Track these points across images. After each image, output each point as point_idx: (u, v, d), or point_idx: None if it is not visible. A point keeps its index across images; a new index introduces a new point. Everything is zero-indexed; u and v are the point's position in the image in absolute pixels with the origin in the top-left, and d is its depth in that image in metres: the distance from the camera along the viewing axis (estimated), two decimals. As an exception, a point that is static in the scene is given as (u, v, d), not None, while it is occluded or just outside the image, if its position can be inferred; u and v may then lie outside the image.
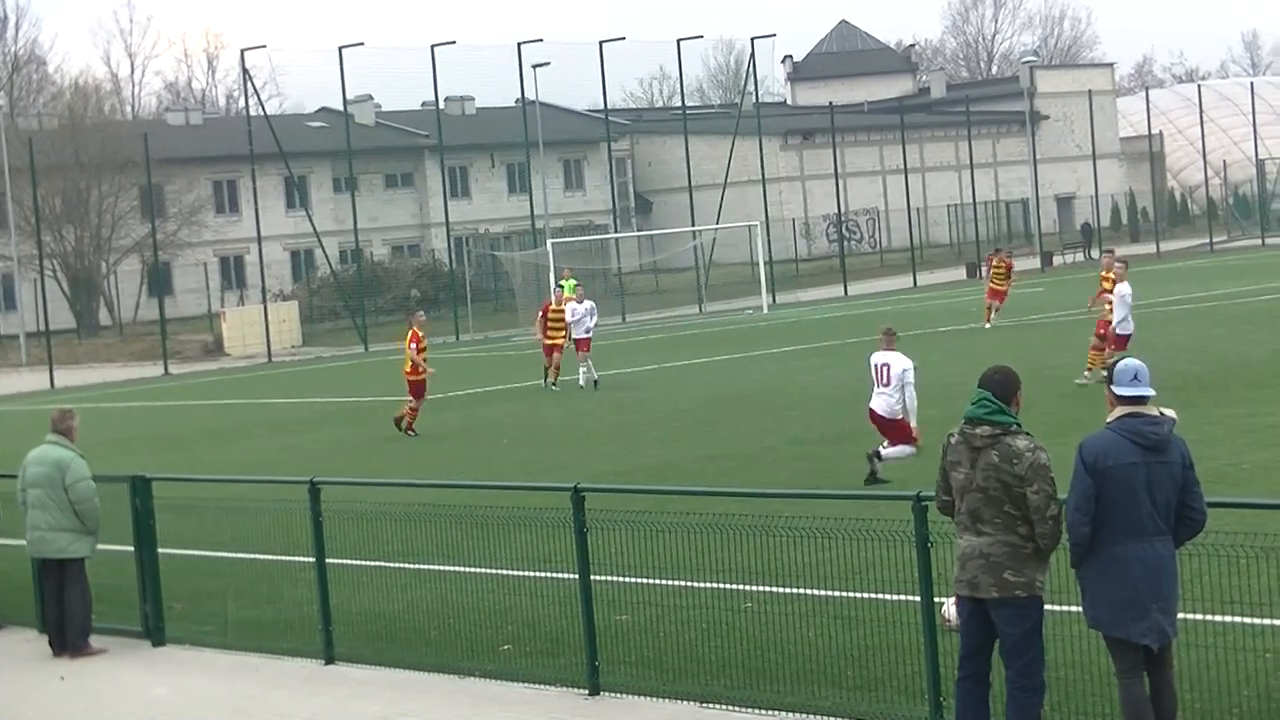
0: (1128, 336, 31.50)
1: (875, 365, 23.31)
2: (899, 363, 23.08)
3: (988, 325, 47.26)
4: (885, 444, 22.81)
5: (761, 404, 33.68)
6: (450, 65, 79.65)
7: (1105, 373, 10.75)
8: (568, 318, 40.34)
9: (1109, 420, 10.47)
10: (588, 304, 41.28)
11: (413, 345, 33.81)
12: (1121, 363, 10.52)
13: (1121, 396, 10.41)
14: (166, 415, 44.82)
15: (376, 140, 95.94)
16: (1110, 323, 32.01)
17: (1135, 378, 10.38)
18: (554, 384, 40.14)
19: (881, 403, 23.09)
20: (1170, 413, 10.54)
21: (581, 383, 39.76)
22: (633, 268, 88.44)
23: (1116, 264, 33.01)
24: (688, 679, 13.42)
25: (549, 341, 40.39)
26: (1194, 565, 10.91)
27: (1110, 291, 32.24)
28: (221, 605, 17.77)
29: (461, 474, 26.23)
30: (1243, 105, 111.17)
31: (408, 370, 33.88)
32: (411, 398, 33.60)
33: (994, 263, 48.83)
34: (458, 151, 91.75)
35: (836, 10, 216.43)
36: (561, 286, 50.29)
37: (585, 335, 40.46)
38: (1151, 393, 10.41)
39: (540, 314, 41.73)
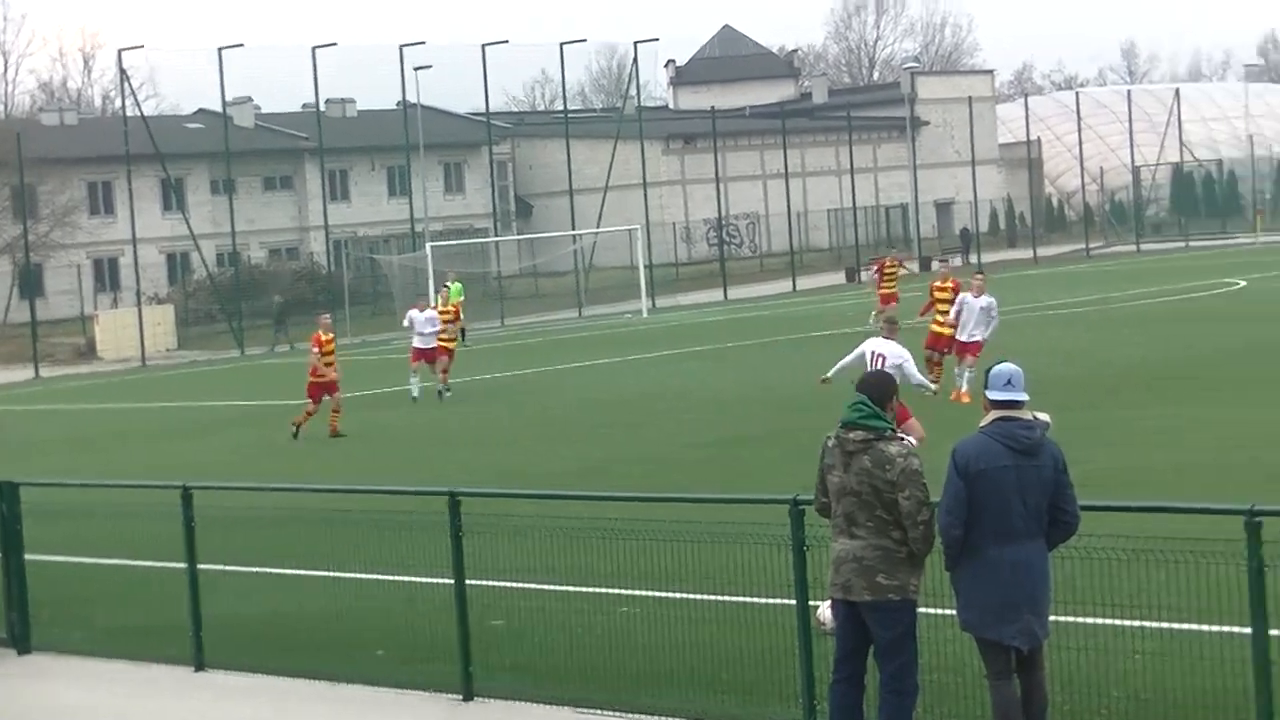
0: (979, 344, 30.74)
1: (870, 354, 23.23)
2: (894, 353, 23.01)
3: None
4: None
5: (642, 408, 33.69)
6: (331, 67, 79.29)
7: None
8: (404, 324, 39.21)
9: (982, 424, 10.52)
10: (429, 313, 39.53)
11: (315, 349, 33.59)
12: (996, 368, 10.58)
13: (995, 401, 10.46)
14: (37, 420, 44.24)
15: (255, 142, 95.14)
16: (942, 333, 31.84)
17: (1009, 382, 10.42)
18: (445, 390, 39.12)
19: None
20: (1044, 416, 10.59)
21: (415, 394, 38.25)
22: (512, 271, 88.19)
23: (976, 276, 32.78)
24: (563, 684, 13.36)
25: (439, 344, 39.73)
26: (1066, 568, 10.97)
27: (947, 303, 32.10)
28: (91, 612, 17.52)
29: (339, 478, 26.02)
30: (1120, 113, 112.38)
31: (309, 372, 33.67)
32: (310, 400, 33.33)
33: (887, 265, 48.14)
34: (338, 154, 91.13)
35: (720, 15, 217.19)
36: (448, 288, 49.99)
37: (426, 346, 38.80)
38: (1024, 397, 10.45)
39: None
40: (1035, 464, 10.28)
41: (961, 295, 31.32)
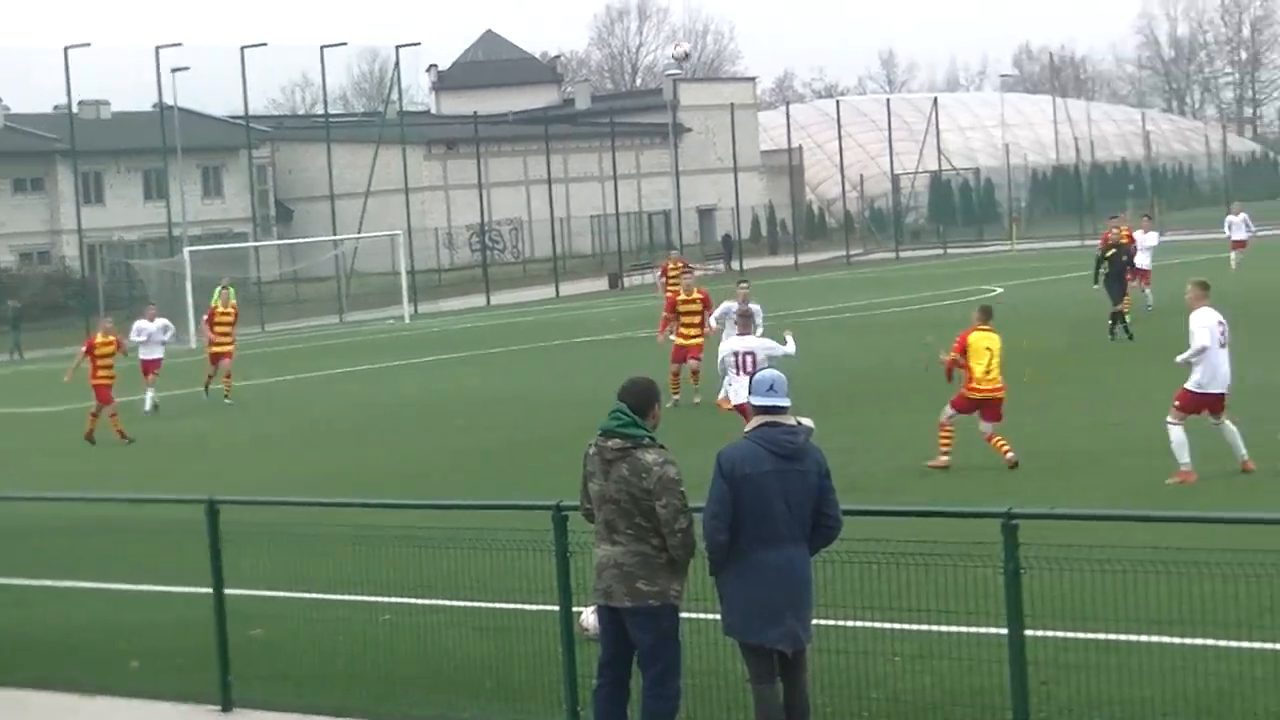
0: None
1: (738, 357, 23.55)
2: (761, 346, 23.94)
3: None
4: None
5: (405, 414, 33.46)
6: (84, 68, 77.61)
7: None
8: (134, 337, 36.98)
9: (746, 430, 10.57)
10: (160, 322, 37.87)
11: (84, 350, 32.94)
12: (758, 374, 10.66)
13: (758, 406, 10.54)
14: None
15: (5, 144, 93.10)
16: (687, 345, 31.58)
17: (771, 388, 10.50)
18: (226, 397, 38.14)
19: None
20: (808, 421, 10.67)
21: (148, 408, 36.62)
22: (273, 276, 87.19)
23: (741, 285, 32.14)
24: (324, 692, 13.20)
25: (215, 349, 38.90)
26: (827, 571, 11.05)
27: (695, 314, 31.79)
28: None
29: (91, 486, 25.48)
30: (879, 121, 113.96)
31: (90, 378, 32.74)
32: (100, 403, 32.55)
33: (669, 268, 45.78)
34: (91, 156, 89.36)
35: (482, 20, 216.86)
36: (229, 289, 49.07)
37: (156, 357, 37.23)
38: (787, 403, 10.53)
39: (206, 319, 40.26)
40: (799, 469, 10.37)
41: (726, 303, 31.19)
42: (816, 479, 10.41)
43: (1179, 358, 20.23)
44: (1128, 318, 36.24)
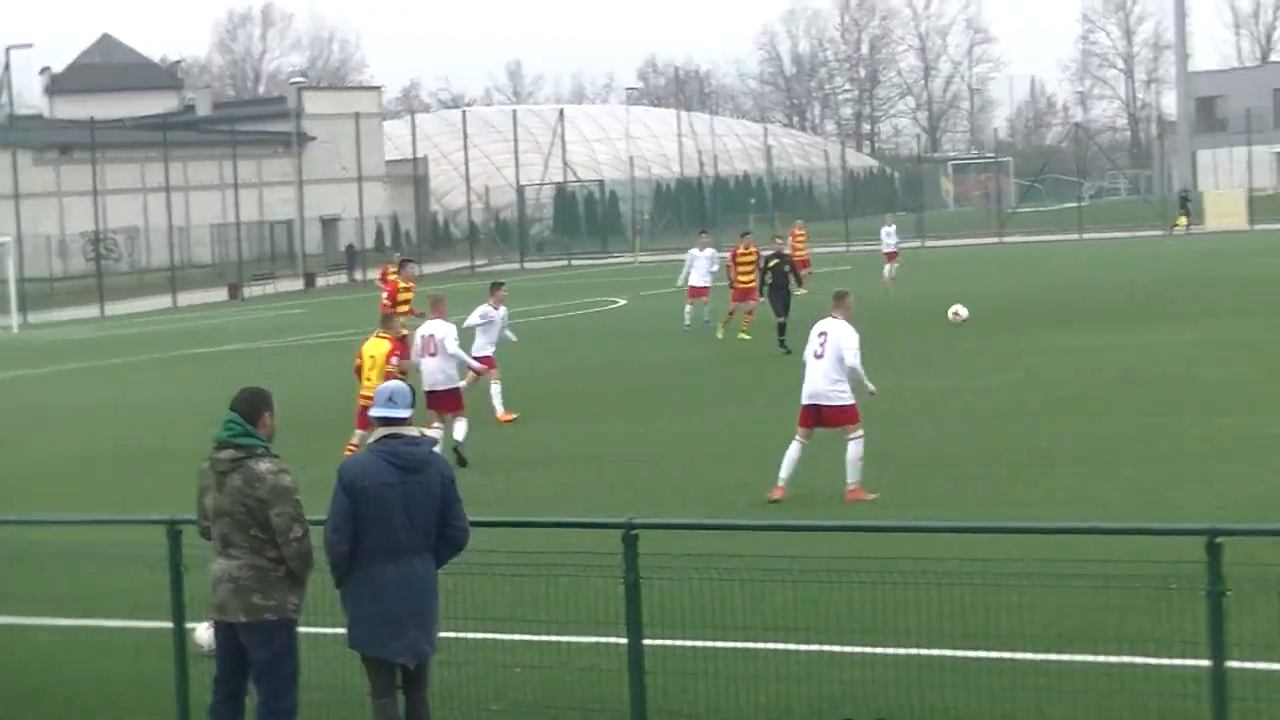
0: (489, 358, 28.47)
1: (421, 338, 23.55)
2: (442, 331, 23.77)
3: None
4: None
5: (14, 425, 32.42)
6: None
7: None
8: None
9: (370, 441, 10.48)
10: None
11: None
12: (379, 386, 10.56)
13: (379, 418, 10.44)
14: None
15: None
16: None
17: (390, 399, 10.42)
18: None
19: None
20: (432, 433, 10.59)
21: None
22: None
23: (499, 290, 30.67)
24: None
25: None
26: (448, 583, 10.96)
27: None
28: None
29: None
30: (505, 132, 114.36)
31: None
32: None
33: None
34: None
35: (99, 23, 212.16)
36: None
37: None
38: (408, 414, 10.44)
39: None
40: (422, 480, 10.29)
41: (481, 308, 29.55)
42: (440, 490, 10.34)
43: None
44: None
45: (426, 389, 23.19)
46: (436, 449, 10.55)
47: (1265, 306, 39.49)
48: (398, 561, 10.22)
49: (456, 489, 10.48)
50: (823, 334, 19.34)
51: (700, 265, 43.06)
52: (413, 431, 10.42)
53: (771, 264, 37.46)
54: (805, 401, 19.32)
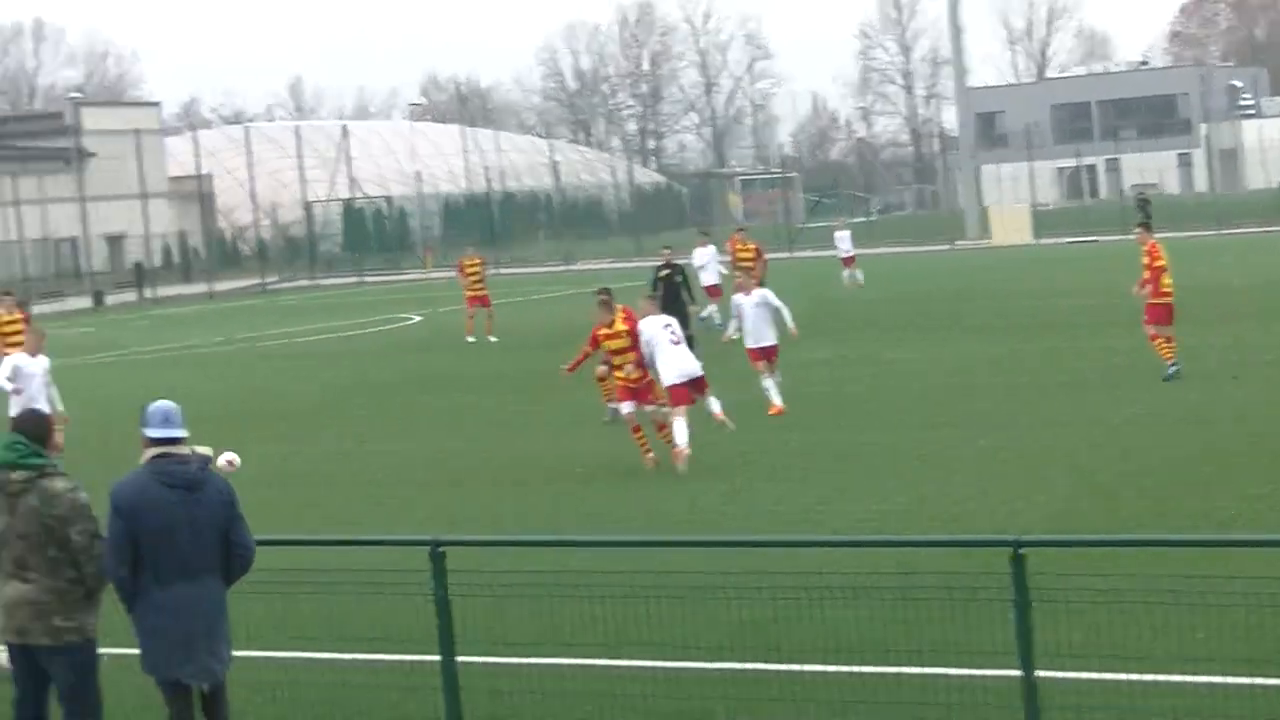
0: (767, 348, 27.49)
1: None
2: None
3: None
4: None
5: None
6: None
7: None
8: None
9: (142, 462, 10.36)
10: None
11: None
12: (151, 406, 10.40)
13: (152, 439, 10.29)
14: None
15: None
16: None
17: (165, 419, 10.28)
18: None
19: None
20: (205, 450, 10.48)
21: None
22: None
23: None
24: None
25: None
26: (243, 603, 10.93)
27: None
28: None
29: None
30: (290, 148, 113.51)
31: None
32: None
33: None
34: None
35: None
36: None
37: None
38: (183, 433, 10.32)
39: None
40: (198, 498, 10.16)
41: (735, 298, 28.51)
42: (221, 508, 10.21)
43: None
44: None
45: None
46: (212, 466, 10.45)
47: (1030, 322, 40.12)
48: (182, 583, 10.09)
49: (238, 507, 10.35)
50: (668, 324, 22.83)
51: (710, 264, 43.26)
52: (184, 450, 10.30)
53: (662, 275, 36.32)
54: (681, 380, 22.12)
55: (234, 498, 10.34)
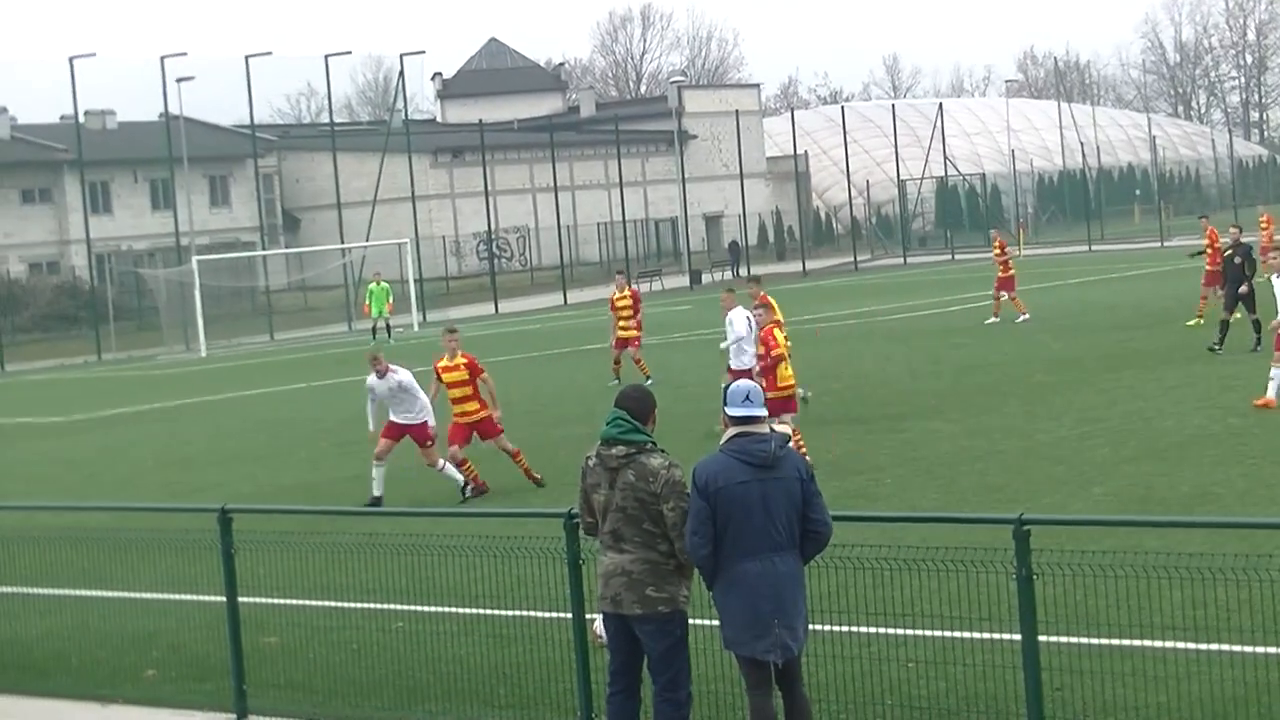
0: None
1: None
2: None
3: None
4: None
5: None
6: (90, 78, 77.75)
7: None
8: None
9: (722, 441, 10.57)
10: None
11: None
12: (734, 385, 10.61)
13: (733, 417, 10.49)
14: None
15: (11, 154, 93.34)
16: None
17: (746, 399, 10.47)
18: None
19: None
20: (783, 428, 10.64)
21: None
22: (281, 285, 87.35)
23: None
24: (338, 700, 13.23)
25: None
26: (839, 578, 11.07)
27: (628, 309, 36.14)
28: None
29: (103, 496, 25.54)
30: (884, 127, 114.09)
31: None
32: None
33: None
34: (98, 166, 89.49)
35: (486, 28, 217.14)
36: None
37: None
38: (762, 413, 10.48)
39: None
40: (776, 477, 10.30)
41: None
42: (798, 485, 10.35)
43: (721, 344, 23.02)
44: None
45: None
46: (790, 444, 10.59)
47: None
48: (758, 560, 10.24)
49: (815, 484, 10.48)
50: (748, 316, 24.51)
51: None
52: (763, 429, 10.47)
53: (1226, 254, 35.26)
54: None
55: (811, 475, 10.47)
